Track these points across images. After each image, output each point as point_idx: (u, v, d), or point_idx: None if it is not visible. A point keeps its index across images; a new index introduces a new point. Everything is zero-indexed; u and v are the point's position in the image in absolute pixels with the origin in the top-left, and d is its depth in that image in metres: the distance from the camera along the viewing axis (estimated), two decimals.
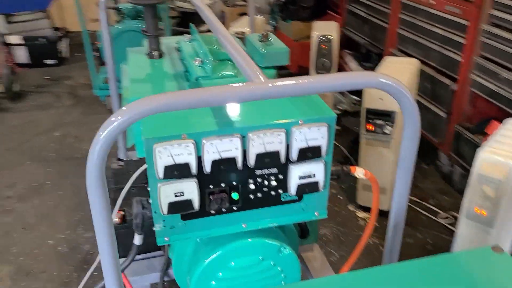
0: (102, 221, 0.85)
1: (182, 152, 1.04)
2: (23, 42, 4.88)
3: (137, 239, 1.25)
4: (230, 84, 0.85)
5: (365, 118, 2.27)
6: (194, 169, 1.06)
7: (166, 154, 1.03)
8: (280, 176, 1.15)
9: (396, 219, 1.15)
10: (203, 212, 1.14)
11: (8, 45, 4.96)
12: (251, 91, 0.85)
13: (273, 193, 1.18)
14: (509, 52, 2.20)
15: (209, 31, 5.16)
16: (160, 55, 1.78)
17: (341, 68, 4.21)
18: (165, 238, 1.16)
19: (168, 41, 1.94)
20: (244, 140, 1.07)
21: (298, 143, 1.10)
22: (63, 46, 5.15)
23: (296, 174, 1.15)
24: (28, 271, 2.14)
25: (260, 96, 0.85)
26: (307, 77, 0.90)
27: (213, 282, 1.25)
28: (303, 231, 1.49)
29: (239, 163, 1.09)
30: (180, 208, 1.11)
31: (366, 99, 2.24)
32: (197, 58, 1.61)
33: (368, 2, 3.60)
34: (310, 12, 4.10)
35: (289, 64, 4.65)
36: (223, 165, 1.08)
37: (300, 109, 1.15)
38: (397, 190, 1.10)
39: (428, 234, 2.40)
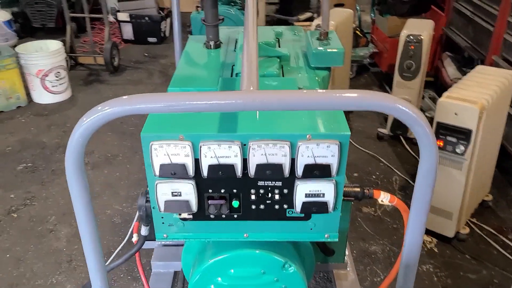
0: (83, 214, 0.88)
1: (179, 153, 1.01)
2: (129, 19, 5.25)
3: (143, 230, 1.25)
4: (211, 91, 0.79)
5: (435, 132, 2.04)
6: (191, 171, 1.03)
7: (162, 153, 1.01)
8: (285, 191, 1.07)
9: (407, 260, 1.00)
10: (202, 215, 1.11)
11: (118, 22, 5.38)
12: (229, 100, 0.78)
13: (277, 207, 1.10)
14: None
15: (308, 20, 5.01)
16: (218, 45, 1.76)
17: (438, 72, 3.85)
18: (164, 235, 1.15)
19: (235, 31, 1.90)
20: (245, 148, 1.01)
21: (304, 159, 1.01)
22: (165, 26, 5.44)
23: (302, 191, 1.05)
24: None
25: (241, 107, 0.78)
26: (305, 91, 0.81)
27: (212, 287, 1.22)
28: (322, 250, 1.38)
29: (239, 172, 1.03)
30: (177, 207, 1.08)
31: (439, 111, 2.00)
32: None
33: (475, 0, 3.21)
34: (410, 7, 3.78)
35: (380, 62, 4.38)
36: (222, 171, 1.03)
37: (312, 122, 1.05)
38: (409, 229, 0.96)
39: (496, 272, 2.11)
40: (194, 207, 1.08)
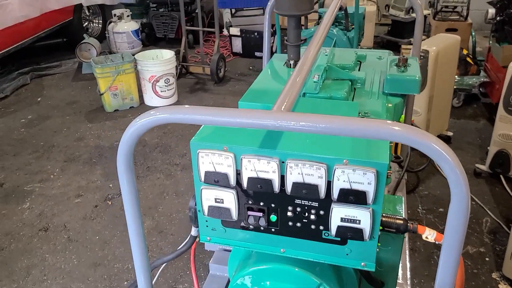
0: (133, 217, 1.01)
1: (222, 163, 1.09)
2: (239, 34, 5.54)
3: (193, 231, 1.35)
4: (244, 109, 0.86)
5: None
6: (232, 181, 1.10)
7: (208, 161, 1.09)
8: (321, 212, 1.08)
9: None
10: (243, 224, 1.17)
11: (230, 35, 5.72)
12: (255, 119, 0.84)
13: (313, 227, 1.11)
14: None
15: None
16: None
17: None
18: (207, 238, 1.24)
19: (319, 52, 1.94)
20: (283, 165, 1.05)
21: (340, 183, 1.02)
22: (273, 42, 5.63)
23: (338, 215, 1.06)
24: (161, 230, 2.51)
25: (264, 126, 0.84)
26: (333, 118, 0.83)
27: None
28: (367, 280, 1.35)
29: (276, 187, 1.07)
30: (218, 213, 1.16)
31: None
32: (316, 74, 1.59)
33: None
34: None
35: (492, 93, 4.07)
36: (260, 184, 1.08)
37: (352, 147, 1.05)
38: (440, 273, 0.91)
39: None
40: (235, 216, 1.14)
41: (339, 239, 1.11)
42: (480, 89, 4.07)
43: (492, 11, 3.86)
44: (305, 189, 1.05)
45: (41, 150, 3.54)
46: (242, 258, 1.36)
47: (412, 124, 2.74)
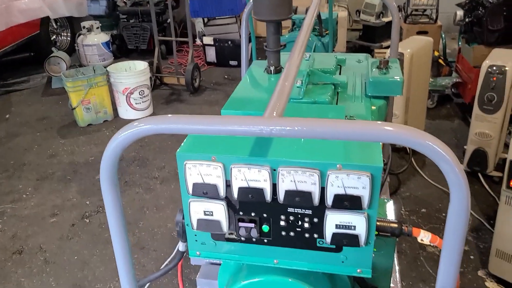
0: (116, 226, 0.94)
1: (211, 173, 1.04)
2: (213, 43, 5.51)
3: (181, 246, 1.29)
4: (234, 115, 0.82)
5: (508, 171, 1.87)
6: (222, 192, 1.05)
7: (195, 172, 1.05)
8: (315, 220, 1.05)
9: None
10: (233, 237, 1.12)
11: (203, 45, 5.68)
12: (248, 126, 0.80)
13: (307, 235, 1.08)
14: None
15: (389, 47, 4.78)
16: (278, 71, 1.79)
17: None
18: (197, 252, 1.18)
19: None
20: (274, 173, 1.01)
21: (334, 189, 0.99)
22: None
23: (332, 222, 1.03)
24: (143, 246, 2.43)
25: (258, 133, 0.80)
26: (327, 121, 0.80)
27: None
28: (362, 286, 1.32)
29: (268, 196, 1.03)
30: (208, 226, 1.11)
31: None
32: (299, 79, 1.57)
33: None
34: (499, 37, 3.54)
35: (464, 93, 4.15)
36: (251, 194, 1.04)
37: (344, 151, 1.02)
38: (440, 275, 0.89)
39: None
40: (225, 228, 1.10)
41: (334, 246, 1.08)
42: (452, 89, 4.15)
43: (460, 13, 3.95)
44: (298, 197, 1.01)
45: (12, 169, 3.40)
46: (233, 271, 1.31)
47: None
